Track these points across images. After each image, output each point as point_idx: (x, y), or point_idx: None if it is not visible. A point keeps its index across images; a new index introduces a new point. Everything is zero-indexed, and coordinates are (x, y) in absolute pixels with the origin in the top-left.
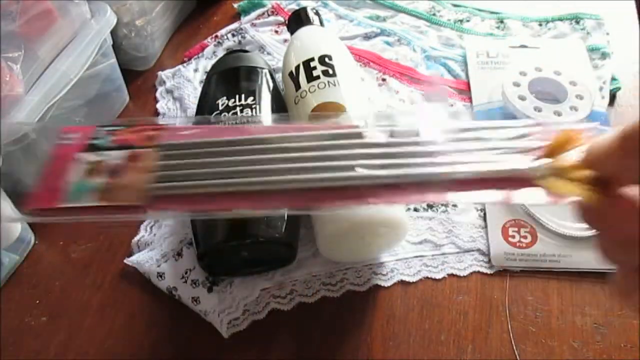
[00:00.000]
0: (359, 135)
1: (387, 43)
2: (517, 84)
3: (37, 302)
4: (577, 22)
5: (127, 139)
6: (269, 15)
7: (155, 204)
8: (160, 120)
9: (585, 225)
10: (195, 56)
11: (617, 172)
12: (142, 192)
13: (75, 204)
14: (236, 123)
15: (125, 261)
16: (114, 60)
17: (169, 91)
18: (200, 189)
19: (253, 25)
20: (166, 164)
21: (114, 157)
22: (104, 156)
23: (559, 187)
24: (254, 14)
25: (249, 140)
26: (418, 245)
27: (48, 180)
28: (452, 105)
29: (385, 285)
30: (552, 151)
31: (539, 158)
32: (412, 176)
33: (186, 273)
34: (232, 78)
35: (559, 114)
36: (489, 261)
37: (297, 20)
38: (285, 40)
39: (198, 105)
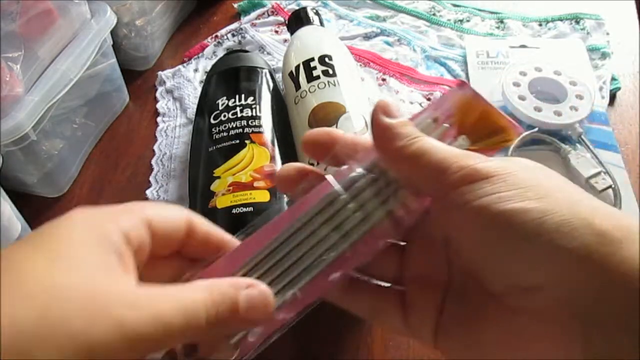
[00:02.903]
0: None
1: (387, 43)
2: (517, 84)
3: None
4: (577, 22)
5: None
6: (269, 15)
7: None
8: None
9: None
10: (195, 56)
11: None
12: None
13: None
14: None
15: None
16: (114, 60)
17: (169, 91)
18: (291, 289)
19: (253, 25)
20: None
21: None
22: None
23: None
24: (254, 14)
25: (285, 236)
26: None
27: None
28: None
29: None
30: (462, 122)
31: (457, 134)
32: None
33: None
34: (232, 78)
35: (559, 114)
36: None
37: (297, 20)
38: (285, 40)
39: (198, 105)
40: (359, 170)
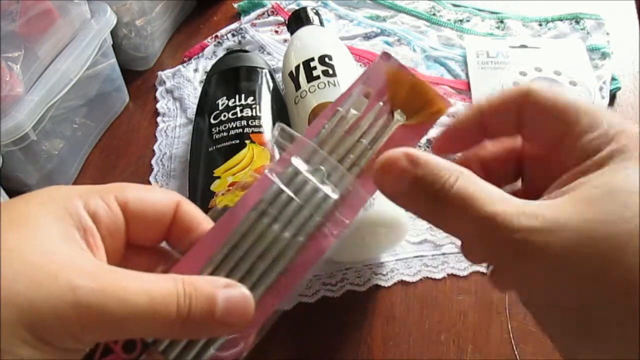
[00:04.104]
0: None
1: (387, 43)
2: (517, 84)
3: None
4: (577, 22)
5: None
6: (269, 15)
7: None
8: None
9: None
10: (195, 56)
11: None
12: None
13: None
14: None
15: None
16: (114, 60)
17: (169, 91)
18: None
19: (253, 25)
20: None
21: None
22: None
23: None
24: (254, 14)
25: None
26: (418, 245)
27: None
28: (452, 104)
29: (385, 285)
30: (395, 97)
31: (392, 109)
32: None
33: None
34: (232, 78)
35: None
36: None
37: (297, 20)
38: (285, 40)
39: (198, 105)
40: (299, 166)
